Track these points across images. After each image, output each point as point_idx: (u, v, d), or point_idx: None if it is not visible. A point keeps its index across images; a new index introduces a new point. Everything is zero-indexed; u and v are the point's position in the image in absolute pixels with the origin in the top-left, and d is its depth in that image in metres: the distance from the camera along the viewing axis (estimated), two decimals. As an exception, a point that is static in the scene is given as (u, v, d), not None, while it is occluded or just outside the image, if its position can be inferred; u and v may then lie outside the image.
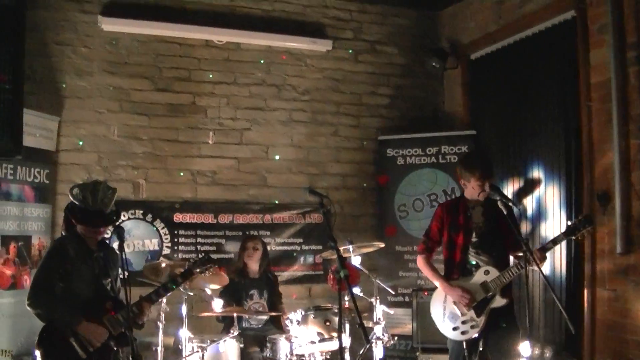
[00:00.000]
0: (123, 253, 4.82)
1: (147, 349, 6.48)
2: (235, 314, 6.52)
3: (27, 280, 7.01)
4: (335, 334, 6.28)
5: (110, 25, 7.97)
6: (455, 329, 5.75)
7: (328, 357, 6.56)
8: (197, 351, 6.16)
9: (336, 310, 6.23)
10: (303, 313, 6.43)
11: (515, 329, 5.70)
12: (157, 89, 8.24)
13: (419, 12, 9.51)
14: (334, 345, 6.34)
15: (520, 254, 5.53)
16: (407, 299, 8.31)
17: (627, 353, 6.23)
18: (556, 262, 7.13)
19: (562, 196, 7.19)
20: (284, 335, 6.52)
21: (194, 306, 7.36)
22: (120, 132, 8.07)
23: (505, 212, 5.48)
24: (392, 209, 8.80)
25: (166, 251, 8.06)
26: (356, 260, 7.25)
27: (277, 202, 8.66)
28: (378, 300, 6.95)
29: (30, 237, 7.24)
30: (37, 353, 5.00)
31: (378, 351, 6.70)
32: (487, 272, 5.68)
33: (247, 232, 8.23)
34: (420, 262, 6.08)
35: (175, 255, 7.97)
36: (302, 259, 8.63)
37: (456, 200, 6.19)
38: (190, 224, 8.23)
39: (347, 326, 6.39)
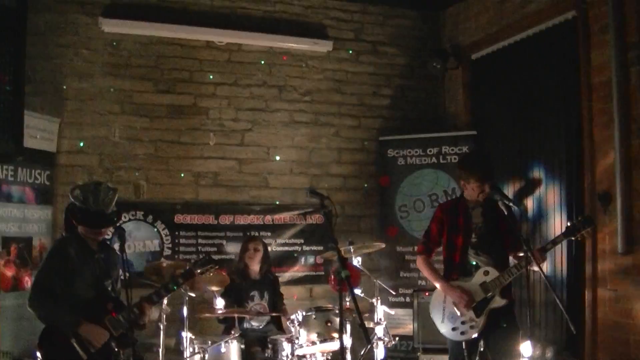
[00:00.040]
0: (124, 254, 4.82)
1: (149, 350, 6.48)
2: (236, 315, 6.52)
3: (28, 282, 7.01)
4: (336, 335, 6.26)
5: (112, 26, 7.98)
6: (454, 329, 5.74)
7: (329, 357, 6.54)
8: (198, 352, 6.15)
9: (337, 311, 6.22)
10: (304, 314, 6.42)
11: (516, 329, 5.69)
12: (159, 90, 8.25)
13: (420, 13, 9.51)
14: (335, 345, 6.33)
15: (521, 254, 5.52)
16: (408, 299, 8.30)
17: (629, 353, 6.23)
18: (557, 262, 7.12)
19: (563, 196, 7.19)
20: (285, 336, 6.52)
21: (195, 307, 7.36)
22: (122, 133, 8.08)
23: (506, 213, 5.48)
24: (393, 210, 8.80)
25: (167, 252, 8.07)
26: (357, 261, 7.25)
27: (278, 203, 8.67)
28: (379, 301, 6.95)
29: (31, 239, 7.24)
30: (38, 354, 5.00)
31: (379, 352, 6.70)
32: (486, 273, 5.67)
33: (248, 233, 8.23)
34: (419, 262, 6.08)
35: (176, 257, 7.96)
36: (303, 259, 8.64)
37: (455, 201, 6.18)
38: (191, 225, 8.24)
39: (348, 327, 6.38)
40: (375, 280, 7.13)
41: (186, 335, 6.26)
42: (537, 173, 7.59)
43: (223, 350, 6.26)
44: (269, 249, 7.79)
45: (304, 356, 6.39)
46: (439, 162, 8.63)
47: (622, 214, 6.30)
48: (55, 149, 7.65)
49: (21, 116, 5.95)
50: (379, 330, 6.76)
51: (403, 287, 8.48)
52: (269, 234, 8.48)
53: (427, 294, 7.43)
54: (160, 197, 8.19)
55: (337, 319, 6.12)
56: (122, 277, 5.27)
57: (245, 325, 7.00)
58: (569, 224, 5.69)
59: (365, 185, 9.08)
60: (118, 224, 5.33)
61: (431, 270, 5.97)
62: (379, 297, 6.97)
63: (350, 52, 9.12)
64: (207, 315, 6.81)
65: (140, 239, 7.98)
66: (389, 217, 8.85)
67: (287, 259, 8.56)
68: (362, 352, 6.09)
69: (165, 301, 6.07)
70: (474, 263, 5.76)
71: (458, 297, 5.67)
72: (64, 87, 7.85)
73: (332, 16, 9.09)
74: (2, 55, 5.80)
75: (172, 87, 8.31)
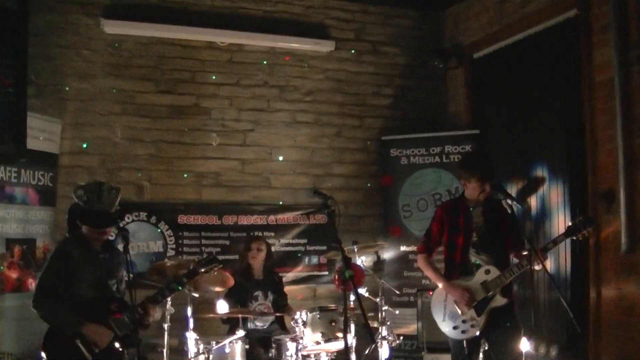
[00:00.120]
0: (128, 255, 4.83)
1: (153, 351, 6.48)
2: (240, 315, 6.52)
3: (32, 283, 7.00)
4: (340, 334, 6.26)
5: (113, 27, 7.98)
6: (455, 327, 5.75)
7: (333, 357, 6.56)
8: (203, 352, 6.15)
9: (341, 311, 6.23)
10: (308, 314, 6.43)
11: (518, 328, 5.71)
12: (160, 91, 8.26)
13: (421, 13, 9.52)
14: (339, 345, 6.34)
15: (525, 253, 5.53)
16: (412, 298, 8.30)
17: (633, 352, 6.22)
18: (561, 261, 7.12)
19: (566, 195, 7.19)
20: (290, 336, 6.52)
21: (199, 308, 7.35)
22: (124, 134, 8.08)
23: (509, 211, 5.51)
24: (396, 209, 8.81)
25: (170, 253, 8.07)
26: (360, 261, 7.26)
27: (281, 203, 8.67)
28: (383, 300, 6.95)
29: (34, 240, 7.24)
30: (43, 355, 5.01)
31: (384, 351, 6.70)
32: (487, 272, 5.68)
33: (252, 233, 8.23)
34: (420, 261, 6.11)
35: (179, 257, 7.96)
36: (306, 259, 8.64)
37: (456, 201, 6.21)
38: (195, 226, 8.24)
39: (353, 326, 6.39)
40: (379, 280, 7.13)
41: (190, 335, 6.27)
42: (539, 172, 7.59)
43: (227, 350, 6.25)
44: (273, 249, 7.78)
45: (308, 356, 6.40)
46: (442, 161, 8.63)
47: (625, 212, 6.29)
48: (58, 150, 7.65)
49: (24, 118, 5.93)
50: (383, 330, 6.76)
51: (407, 286, 8.48)
52: (273, 234, 8.48)
53: (430, 293, 7.39)
54: (162, 198, 8.19)
55: (342, 319, 6.13)
56: (126, 278, 5.28)
57: (249, 325, 6.99)
58: (569, 224, 5.70)
59: (368, 185, 9.07)
60: (121, 225, 5.34)
61: (432, 269, 5.99)
62: (382, 297, 6.97)
63: (352, 52, 9.11)
64: (211, 315, 6.81)
65: (144, 239, 7.99)
66: (391, 217, 8.85)
67: (291, 259, 8.56)
68: (366, 352, 6.10)
69: (169, 301, 6.08)
70: (477, 262, 5.77)
71: (459, 295, 5.69)
72: (66, 88, 7.85)
73: (333, 16, 9.09)
74: (4, 57, 5.79)
75: (174, 88, 8.32)
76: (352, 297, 6.30)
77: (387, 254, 8.63)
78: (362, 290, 6.97)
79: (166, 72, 8.30)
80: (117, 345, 5.06)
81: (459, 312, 5.72)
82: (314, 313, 6.42)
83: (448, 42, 9.32)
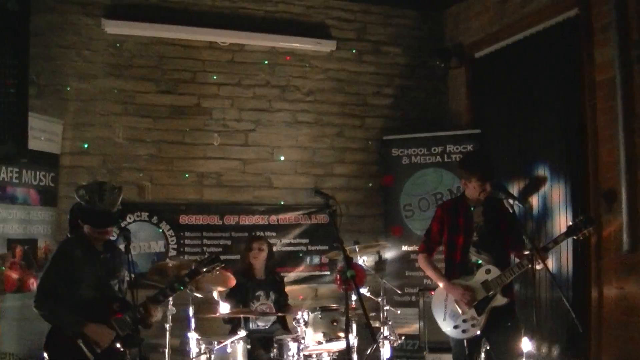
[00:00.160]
0: (129, 255, 4.83)
1: (154, 351, 6.49)
2: (242, 315, 6.52)
3: (34, 284, 7.00)
4: (342, 334, 6.26)
5: (114, 27, 7.98)
6: (456, 327, 5.76)
7: (335, 357, 6.56)
8: (204, 353, 6.15)
9: (343, 311, 6.23)
10: (310, 314, 6.43)
11: (518, 328, 5.72)
12: (161, 91, 8.26)
13: (422, 13, 9.52)
14: (341, 345, 6.33)
15: (527, 252, 5.53)
16: (413, 298, 8.30)
17: (635, 351, 6.22)
18: (562, 260, 7.12)
19: (567, 195, 7.18)
20: (291, 336, 6.52)
21: (201, 308, 7.35)
22: (125, 134, 8.08)
23: (511, 211, 5.52)
24: (398, 209, 8.80)
25: (172, 253, 8.07)
26: (362, 261, 7.26)
27: (282, 203, 8.67)
28: (384, 300, 6.95)
29: (36, 240, 7.24)
30: (45, 355, 5.01)
31: (385, 351, 6.70)
32: (488, 271, 5.68)
33: (253, 233, 8.23)
34: (421, 261, 6.12)
35: (181, 257, 7.96)
36: (308, 259, 8.63)
37: (456, 200, 6.21)
38: (196, 226, 8.24)
39: (354, 326, 6.39)
40: (380, 280, 7.14)
41: (192, 335, 6.27)
42: (541, 171, 7.59)
43: (229, 350, 6.24)
44: (274, 249, 7.77)
45: (310, 356, 6.40)
46: (443, 161, 8.63)
47: (627, 212, 6.29)
48: (59, 151, 7.65)
49: (25, 118, 5.94)
50: (385, 330, 6.76)
51: (408, 286, 8.48)
52: (274, 234, 8.48)
53: (432, 292, 7.38)
54: (164, 198, 8.19)
55: (343, 319, 6.13)
56: (127, 278, 5.29)
57: (251, 325, 6.98)
58: (570, 223, 5.70)
59: (370, 184, 9.07)
60: (123, 226, 5.34)
61: (432, 268, 6.00)
62: (384, 297, 6.97)
63: (354, 52, 9.11)
64: (213, 315, 6.80)
65: (145, 240, 7.99)
66: (393, 217, 8.84)
67: (292, 259, 8.56)
68: (368, 352, 6.10)
69: (170, 302, 6.08)
70: (479, 262, 5.77)
71: (460, 295, 5.70)
72: (67, 88, 7.85)
73: (334, 16, 9.09)
74: (5, 57, 5.79)
75: (175, 88, 8.32)
76: (354, 297, 6.32)
77: (389, 254, 8.63)
78: (364, 290, 6.98)
79: (167, 72, 8.30)
80: (118, 345, 5.06)
81: (460, 311, 5.73)
82: (316, 313, 6.42)
83: (449, 41, 9.32)
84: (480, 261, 5.77)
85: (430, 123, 9.22)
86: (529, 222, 7.61)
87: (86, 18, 7.97)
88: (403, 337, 7.07)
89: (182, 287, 5.51)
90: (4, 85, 5.78)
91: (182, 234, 8.16)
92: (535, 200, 7.64)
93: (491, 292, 5.64)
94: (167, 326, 6.21)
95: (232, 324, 6.90)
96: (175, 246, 8.11)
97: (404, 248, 8.67)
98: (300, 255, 8.61)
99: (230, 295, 6.98)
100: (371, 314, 6.46)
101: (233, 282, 6.70)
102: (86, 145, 7.91)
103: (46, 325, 5.10)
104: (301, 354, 6.31)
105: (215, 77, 8.48)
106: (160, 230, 8.08)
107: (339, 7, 9.11)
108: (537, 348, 5.84)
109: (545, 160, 7.54)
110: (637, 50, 6.28)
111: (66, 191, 7.56)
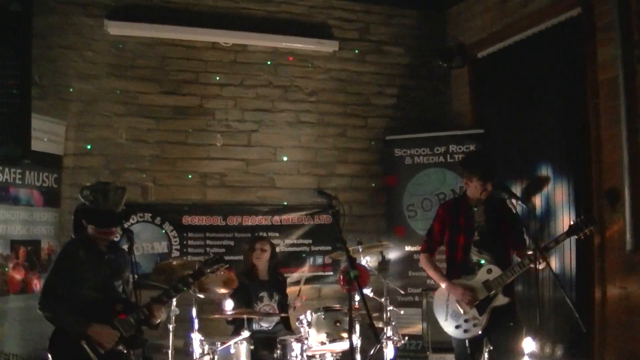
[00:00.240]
0: (133, 256, 4.83)
1: (158, 352, 6.48)
2: (245, 316, 6.52)
3: (37, 285, 7.02)
4: (345, 335, 6.26)
5: (116, 28, 7.98)
6: (457, 327, 5.77)
7: (338, 357, 6.56)
8: (208, 353, 6.15)
9: (346, 311, 6.23)
10: (313, 314, 6.42)
11: (519, 328, 5.73)
12: (164, 91, 8.26)
13: (424, 12, 9.51)
14: (344, 345, 6.33)
15: (530, 252, 5.53)
16: (416, 298, 8.29)
17: (638, 351, 6.22)
18: (566, 260, 7.11)
19: (570, 194, 7.18)
20: (295, 337, 6.52)
21: (204, 308, 7.35)
22: (128, 135, 8.08)
23: (513, 211, 5.53)
24: (401, 209, 8.79)
25: (175, 254, 8.07)
26: (365, 261, 7.26)
27: (285, 203, 8.66)
28: (388, 300, 6.95)
29: (39, 242, 7.24)
30: (49, 356, 5.01)
31: (389, 351, 6.69)
32: (489, 271, 5.69)
33: (256, 234, 8.23)
34: (422, 261, 6.13)
35: (184, 258, 7.95)
36: (311, 260, 8.62)
37: (457, 200, 6.22)
38: (199, 227, 8.24)
39: (357, 327, 6.39)
40: (383, 280, 7.13)
41: (195, 336, 6.27)
42: (544, 171, 7.58)
43: (232, 351, 6.25)
44: (277, 249, 7.78)
45: (313, 356, 6.40)
46: (446, 161, 8.62)
47: (630, 211, 6.29)
48: (62, 152, 7.65)
49: (28, 119, 5.95)
50: (388, 330, 6.75)
51: (412, 286, 8.47)
52: (277, 234, 8.48)
53: (435, 293, 7.43)
54: (167, 199, 8.20)
55: (346, 319, 6.14)
56: (131, 279, 5.29)
57: (254, 326, 6.99)
58: (571, 223, 5.71)
59: (373, 185, 9.07)
60: (126, 226, 5.34)
61: (434, 268, 6.02)
62: (387, 297, 6.97)
63: (356, 52, 9.11)
64: (216, 316, 6.81)
65: (148, 240, 7.99)
66: (396, 217, 8.84)
67: (296, 260, 8.55)
68: (371, 352, 6.09)
69: (174, 302, 6.08)
70: (481, 262, 5.77)
71: (461, 294, 5.70)
72: (69, 89, 7.85)
73: (336, 16, 9.09)
74: (8, 58, 5.81)
75: (178, 89, 8.32)
76: (357, 297, 6.32)
77: (392, 254, 8.64)
78: (367, 291, 6.97)
79: (169, 72, 8.30)
80: (122, 346, 5.06)
81: (461, 311, 5.73)
82: (319, 313, 6.42)
83: (451, 41, 9.31)
84: (482, 261, 5.77)
85: (432, 123, 9.21)
86: (532, 222, 7.60)
87: (88, 19, 7.97)
88: (406, 338, 7.05)
89: (185, 288, 5.52)
90: (6, 86, 5.80)
91: (185, 234, 8.16)
92: (538, 200, 7.64)
93: (492, 292, 5.65)
94: (170, 327, 6.20)
95: (236, 325, 6.90)
96: (178, 247, 8.11)
97: (407, 248, 8.66)
98: (304, 255, 8.60)
99: (234, 296, 6.98)
100: (374, 315, 6.46)
101: (235, 283, 6.70)
102: (89, 146, 7.91)
103: (50, 326, 5.10)
104: (304, 354, 6.31)
105: (217, 78, 8.49)
106: (163, 231, 8.08)
107: (340, 7, 9.11)
108: (540, 348, 5.85)
109: (547, 160, 7.54)
110: (639, 50, 6.27)
111: (69, 192, 7.57)
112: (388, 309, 6.88)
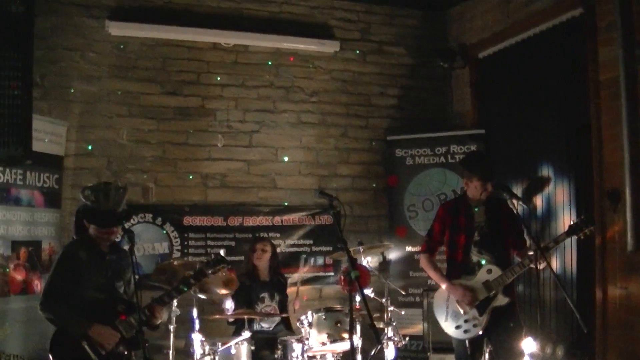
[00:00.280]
0: (133, 256, 4.84)
1: (159, 352, 6.49)
2: (246, 317, 6.52)
3: (38, 285, 7.02)
4: (346, 335, 6.26)
5: (118, 29, 7.98)
6: (457, 327, 5.78)
7: (339, 358, 6.55)
8: (209, 354, 6.15)
9: (347, 312, 6.23)
10: (314, 315, 6.42)
11: (519, 328, 5.74)
12: (166, 92, 8.26)
13: (425, 13, 9.51)
14: (345, 346, 6.33)
15: (531, 253, 5.53)
16: (417, 299, 8.30)
17: (639, 351, 6.21)
18: (567, 260, 7.11)
19: (572, 194, 7.18)
20: (295, 337, 6.52)
21: (205, 309, 7.36)
22: (129, 136, 8.08)
23: (514, 211, 5.53)
24: (402, 210, 8.79)
25: (176, 254, 8.07)
26: (366, 262, 7.26)
27: (286, 204, 8.67)
28: (389, 301, 6.95)
29: (40, 242, 7.24)
30: (50, 357, 5.01)
31: (390, 352, 6.69)
32: (489, 271, 5.70)
33: (257, 235, 8.23)
34: (422, 261, 6.15)
35: (185, 259, 7.94)
36: (312, 260, 8.62)
37: (458, 200, 6.23)
38: (200, 227, 8.25)
39: (358, 327, 6.39)
40: (384, 281, 7.13)
41: (196, 337, 6.27)
42: (545, 171, 7.58)
43: (233, 352, 6.25)
44: (278, 250, 7.78)
45: (314, 357, 6.40)
46: (447, 161, 8.62)
47: (632, 211, 6.28)
48: (63, 153, 7.65)
49: (29, 120, 5.93)
50: (389, 330, 6.75)
51: (413, 287, 8.47)
52: (278, 235, 8.48)
53: (435, 293, 7.43)
54: (168, 199, 8.20)
55: (347, 320, 6.13)
56: (133, 280, 5.29)
57: (255, 326, 6.99)
58: (571, 223, 5.72)
59: (374, 185, 9.07)
60: (127, 227, 5.35)
61: (434, 268, 6.04)
62: (388, 297, 6.97)
63: (358, 52, 9.11)
64: (217, 317, 6.81)
65: (149, 241, 7.99)
66: (397, 217, 8.83)
67: (296, 260, 8.53)
68: (372, 353, 6.10)
69: (175, 303, 6.08)
70: (482, 262, 5.78)
71: (461, 295, 5.72)
72: (71, 90, 7.85)
73: (338, 16, 9.08)
74: (10, 59, 5.79)
75: (179, 89, 8.32)
76: (358, 298, 6.32)
77: (393, 255, 8.63)
78: (368, 291, 6.97)
79: (171, 73, 8.30)
80: (123, 347, 5.06)
81: (461, 311, 5.74)
82: (320, 314, 6.42)
83: (453, 41, 9.31)
84: (482, 261, 5.77)
85: (433, 123, 9.21)
86: (533, 222, 7.60)
87: (90, 20, 7.97)
88: (407, 338, 7.05)
89: (186, 289, 5.52)
90: (8, 87, 5.79)
91: (186, 235, 8.16)
92: (539, 200, 7.64)
93: (492, 292, 5.65)
94: (171, 327, 6.21)
95: (236, 325, 6.91)
96: (179, 247, 8.11)
97: (408, 249, 8.66)
98: (305, 256, 8.59)
99: (235, 297, 6.98)
100: (375, 315, 6.47)
101: (236, 284, 6.69)
102: (90, 147, 7.92)
103: (51, 327, 5.11)
104: (305, 355, 6.31)
105: (219, 78, 8.49)
106: (165, 232, 8.09)
107: (342, 7, 9.11)
108: (541, 348, 5.83)
109: (549, 160, 7.54)
110: (641, 49, 6.28)
111: (70, 193, 7.58)
112: (389, 309, 6.89)
